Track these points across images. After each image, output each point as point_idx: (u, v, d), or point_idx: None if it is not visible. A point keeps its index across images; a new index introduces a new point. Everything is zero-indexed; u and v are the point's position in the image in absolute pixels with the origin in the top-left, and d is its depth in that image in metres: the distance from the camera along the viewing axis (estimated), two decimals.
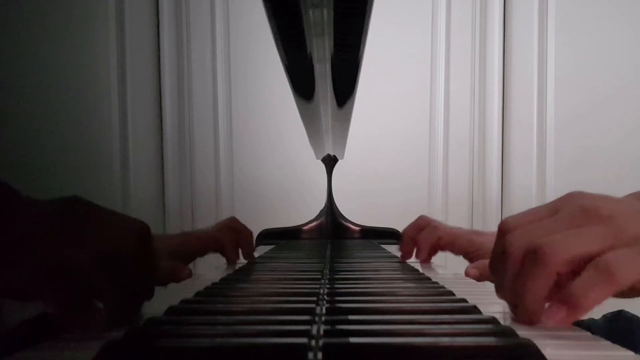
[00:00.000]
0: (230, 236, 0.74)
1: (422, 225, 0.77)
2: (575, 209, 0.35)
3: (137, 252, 0.36)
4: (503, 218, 0.39)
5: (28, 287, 0.32)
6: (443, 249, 0.76)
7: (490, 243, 0.40)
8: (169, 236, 0.77)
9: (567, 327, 0.35)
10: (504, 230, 0.37)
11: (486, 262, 0.42)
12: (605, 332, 0.63)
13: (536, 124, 1.50)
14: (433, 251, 0.77)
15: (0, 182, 0.36)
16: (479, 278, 0.62)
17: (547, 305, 0.34)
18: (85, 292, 0.33)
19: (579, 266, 0.33)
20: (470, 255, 0.74)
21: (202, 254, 0.75)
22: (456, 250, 0.75)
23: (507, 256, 0.35)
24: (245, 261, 0.74)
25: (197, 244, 0.74)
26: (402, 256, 0.76)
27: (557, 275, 0.33)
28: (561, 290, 0.33)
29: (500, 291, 0.38)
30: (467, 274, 0.63)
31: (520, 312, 0.35)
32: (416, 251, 0.76)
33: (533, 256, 0.34)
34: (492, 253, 0.39)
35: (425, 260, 0.76)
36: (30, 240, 0.33)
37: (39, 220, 0.34)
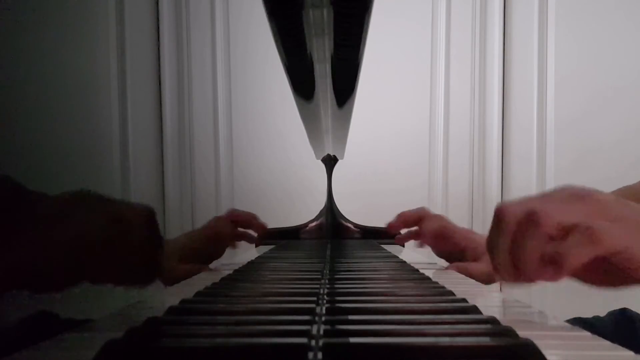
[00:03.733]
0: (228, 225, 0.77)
1: (422, 214, 0.81)
2: (566, 194, 0.39)
3: (146, 230, 0.41)
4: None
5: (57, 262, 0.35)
6: (440, 240, 0.79)
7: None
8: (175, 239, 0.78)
9: (567, 327, 0.35)
10: (500, 209, 0.40)
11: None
12: (610, 329, 0.64)
13: (536, 125, 1.50)
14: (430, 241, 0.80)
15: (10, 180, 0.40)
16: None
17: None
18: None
19: (567, 235, 0.36)
20: (465, 252, 0.75)
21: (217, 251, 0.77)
22: (450, 246, 0.77)
23: (505, 223, 0.39)
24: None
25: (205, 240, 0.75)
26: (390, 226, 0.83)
27: (549, 239, 0.36)
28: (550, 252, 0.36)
29: (496, 260, 0.40)
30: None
31: (516, 272, 0.38)
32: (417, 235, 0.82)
33: (528, 219, 0.37)
34: (489, 231, 0.41)
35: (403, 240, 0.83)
36: (48, 226, 0.36)
37: (54, 209, 0.38)
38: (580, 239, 0.35)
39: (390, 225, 0.83)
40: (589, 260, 0.35)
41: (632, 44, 1.45)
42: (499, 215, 0.40)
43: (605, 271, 0.38)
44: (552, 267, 0.35)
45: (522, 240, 0.37)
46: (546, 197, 0.40)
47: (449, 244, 0.77)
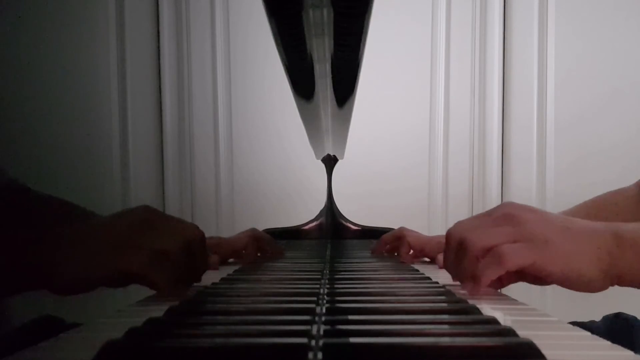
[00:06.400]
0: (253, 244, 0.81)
1: (397, 234, 0.85)
2: (500, 214, 0.49)
3: (198, 246, 0.49)
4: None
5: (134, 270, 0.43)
6: (418, 254, 0.84)
7: None
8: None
9: (567, 327, 0.35)
10: (447, 233, 0.52)
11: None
12: (604, 333, 0.65)
13: (536, 126, 1.50)
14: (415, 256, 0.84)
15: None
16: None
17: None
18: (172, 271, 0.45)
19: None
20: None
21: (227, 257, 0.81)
22: (429, 254, 0.82)
23: (449, 247, 0.50)
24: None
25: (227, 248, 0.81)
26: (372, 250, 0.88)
27: (477, 259, 0.47)
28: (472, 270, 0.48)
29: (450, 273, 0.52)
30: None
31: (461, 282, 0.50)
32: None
33: (461, 245, 0.48)
34: (444, 250, 0.53)
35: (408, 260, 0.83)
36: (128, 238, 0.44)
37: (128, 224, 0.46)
38: (490, 261, 0.45)
39: (372, 250, 0.88)
40: (497, 275, 0.45)
41: (633, 44, 1.45)
42: (446, 240, 0.51)
43: (527, 276, 0.49)
44: (471, 281, 0.46)
45: (458, 262, 0.49)
46: (484, 217, 0.50)
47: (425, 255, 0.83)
